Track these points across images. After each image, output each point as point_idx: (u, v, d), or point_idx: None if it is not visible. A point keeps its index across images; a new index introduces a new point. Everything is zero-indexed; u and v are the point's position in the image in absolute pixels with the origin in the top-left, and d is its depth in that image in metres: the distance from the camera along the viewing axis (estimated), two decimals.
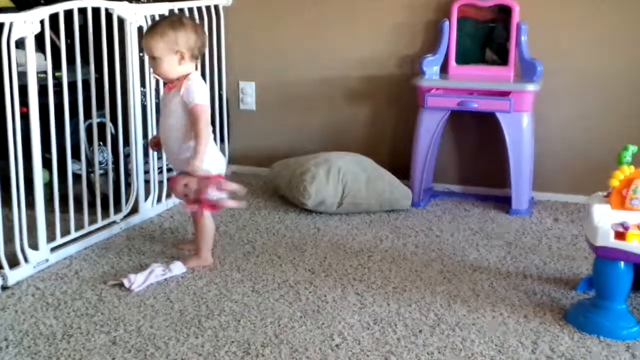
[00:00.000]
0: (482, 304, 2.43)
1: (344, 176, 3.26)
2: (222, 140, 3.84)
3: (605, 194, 2.30)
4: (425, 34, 3.59)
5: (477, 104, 3.22)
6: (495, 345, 2.17)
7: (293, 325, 2.27)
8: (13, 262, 2.56)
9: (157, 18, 3.04)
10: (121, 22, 3.00)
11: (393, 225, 3.18)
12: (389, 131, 3.74)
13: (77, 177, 2.97)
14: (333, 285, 2.57)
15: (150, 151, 3.14)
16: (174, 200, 3.27)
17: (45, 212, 2.68)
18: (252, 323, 2.28)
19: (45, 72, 2.68)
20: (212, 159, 2.61)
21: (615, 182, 2.22)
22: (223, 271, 2.67)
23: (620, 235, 2.17)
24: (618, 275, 2.23)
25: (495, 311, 2.38)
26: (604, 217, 2.21)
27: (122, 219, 3.09)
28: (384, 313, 2.36)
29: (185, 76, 2.58)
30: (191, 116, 2.54)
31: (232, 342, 2.17)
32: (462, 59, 3.49)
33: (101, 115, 3.01)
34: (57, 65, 2.75)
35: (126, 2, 3.02)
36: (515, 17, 3.39)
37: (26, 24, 2.50)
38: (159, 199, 3.30)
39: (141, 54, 3.05)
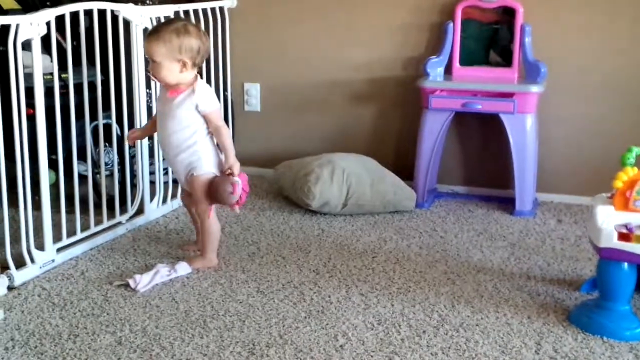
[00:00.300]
0: (485, 305, 2.43)
1: (348, 177, 3.27)
2: None
3: (608, 195, 2.31)
4: (429, 36, 3.59)
5: (481, 106, 3.23)
6: (499, 345, 2.17)
7: (297, 326, 2.28)
8: (19, 263, 2.57)
9: (162, 20, 3.06)
10: (127, 24, 3.01)
11: (397, 226, 3.19)
12: (393, 132, 3.75)
13: (83, 178, 2.98)
14: (337, 285, 2.58)
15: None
16: (179, 202, 3.27)
17: (51, 213, 2.70)
18: (257, 323, 2.30)
19: (51, 74, 2.69)
20: (212, 162, 2.67)
21: (618, 184, 2.22)
22: (228, 272, 2.68)
23: (623, 237, 2.18)
24: (621, 276, 2.23)
25: (499, 312, 2.38)
26: (608, 218, 2.21)
27: (127, 220, 3.10)
28: (388, 314, 2.37)
29: (192, 83, 2.60)
30: (211, 123, 2.63)
31: (237, 342, 2.18)
32: (466, 61, 3.50)
33: (107, 116, 3.02)
34: (63, 67, 2.76)
35: (132, 4, 3.03)
36: (519, 19, 3.39)
37: (32, 25, 2.51)
38: (165, 200, 3.31)
39: (147, 56, 3.05)
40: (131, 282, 2.53)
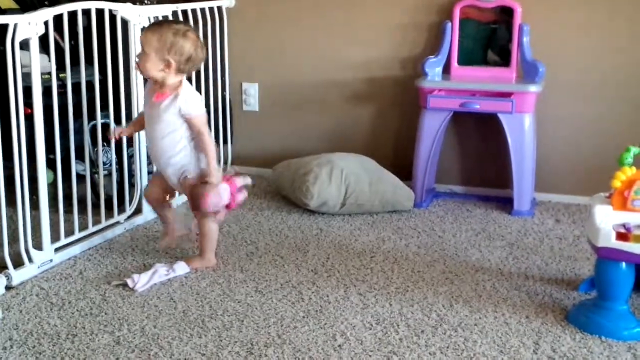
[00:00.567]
0: (484, 305, 2.43)
1: (346, 177, 3.27)
2: (225, 141, 3.85)
3: (607, 195, 2.31)
4: (427, 36, 3.60)
5: (479, 105, 3.23)
6: (497, 345, 2.18)
7: (296, 326, 2.28)
8: (17, 262, 2.57)
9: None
10: (125, 23, 3.01)
11: (395, 226, 3.19)
12: (392, 132, 3.75)
13: (81, 177, 2.99)
14: (336, 285, 2.58)
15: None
16: (177, 202, 3.27)
17: (49, 213, 2.70)
18: (255, 323, 2.30)
19: (49, 74, 2.69)
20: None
21: (617, 183, 2.22)
22: (226, 271, 2.68)
23: (622, 236, 2.18)
24: (619, 276, 2.23)
25: (497, 312, 2.38)
26: (606, 218, 2.22)
27: (125, 220, 3.10)
28: (386, 313, 2.37)
29: (177, 87, 2.57)
30: (194, 127, 2.58)
31: (236, 342, 2.18)
32: (464, 60, 3.50)
33: (105, 116, 3.02)
34: (61, 67, 2.76)
35: (130, 4, 3.03)
36: (517, 19, 3.40)
37: (30, 25, 2.51)
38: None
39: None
40: (129, 282, 2.53)
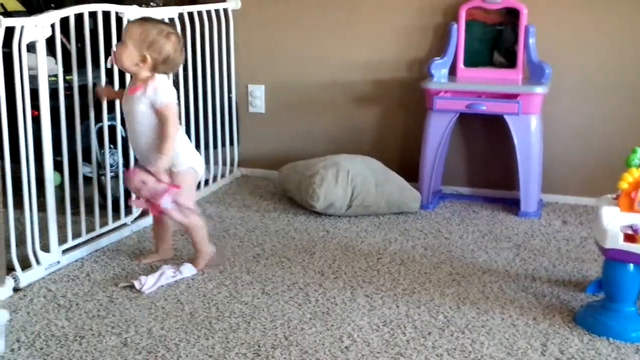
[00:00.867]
0: (491, 306, 2.43)
1: (352, 179, 3.27)
2: (231, 143, 3.86)
3: (614, 196, 2.30)
4: (433, 37, 3.59)
5: (486, 107, 3.23)
6: (505, 347, 2.17)
7: (303, 327, 2.28)
8: (25, 264, 2.57)
9: (166, 21, 3.06)
10: None
11: (402, 227, 3.19)
12: (398, 134, 3.75)
13: (88, 179, 2.99)
14: (342, 287, 2.58)
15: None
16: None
17: (56, 215, 2.71)
18: (262, 325, 2.30)
19: (56, 76, 2.70)
20: (190, 156, 2.66)
21: (624, 185, 2.22)
22: (233, 273, 2.68)
23: (629, 238, 2.17)
24: (627, 277, 2.23)
25: (505, 313, 2.38)
26: (613, 219, 2.21)
27: (132, 221, 3.11)
28: (393, 315, 2.37)
29: (147, 80, 2.56)
30: (160, 116, 2.55)
31: (242, 344, 2.18)
32: (470, 62, 3.50)
33: (112, 118, 3.03)
34: (67, 69, 2.77)
35: (136, 6, 3.04)
36: (524, 20, 3.39)
37: (37, 27, 2.52)
38: None
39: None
40: (136, 284, 2.54)
